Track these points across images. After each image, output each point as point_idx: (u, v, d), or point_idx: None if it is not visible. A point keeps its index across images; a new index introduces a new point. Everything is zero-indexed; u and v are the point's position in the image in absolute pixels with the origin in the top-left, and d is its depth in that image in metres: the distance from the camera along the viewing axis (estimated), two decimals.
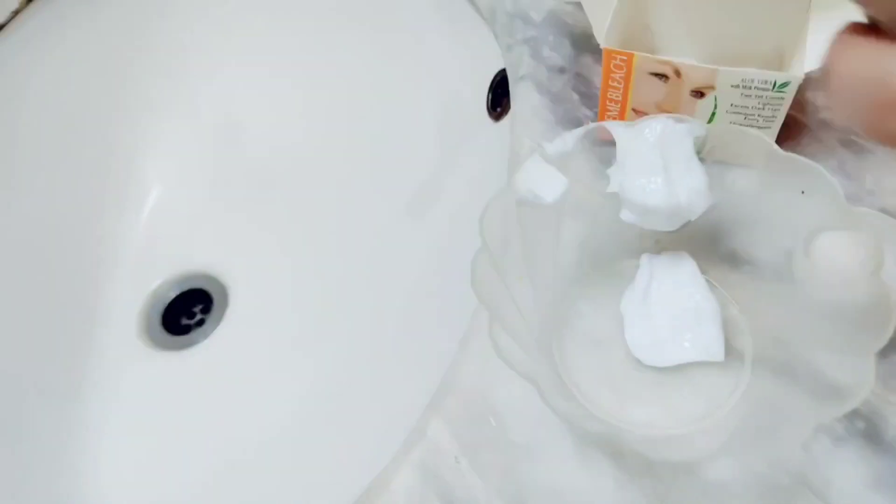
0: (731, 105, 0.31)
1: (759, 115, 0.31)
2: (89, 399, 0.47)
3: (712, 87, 0.30)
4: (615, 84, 0.32)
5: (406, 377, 0.39)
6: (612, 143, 0.28)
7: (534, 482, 0.27)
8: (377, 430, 0.36)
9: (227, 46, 0.57)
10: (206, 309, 0.52)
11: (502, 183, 0.28)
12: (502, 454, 0.28)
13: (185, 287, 0.53)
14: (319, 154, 0.54)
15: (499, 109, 0.45)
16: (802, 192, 0.26)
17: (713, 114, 0.32)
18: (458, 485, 0.27)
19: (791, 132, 0.34)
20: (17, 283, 0.49)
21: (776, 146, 0.26)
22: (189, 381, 0.49)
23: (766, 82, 0.29)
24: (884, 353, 0.22)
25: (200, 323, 0.51)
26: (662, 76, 0.31)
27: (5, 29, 0.51)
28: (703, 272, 0.29)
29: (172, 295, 0.53)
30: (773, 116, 0.31)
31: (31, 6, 0.52)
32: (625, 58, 0.31)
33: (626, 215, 0.28)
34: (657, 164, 0.27)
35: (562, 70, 0.40)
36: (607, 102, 0.33)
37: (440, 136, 0.49)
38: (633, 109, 0.33)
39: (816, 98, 0.35)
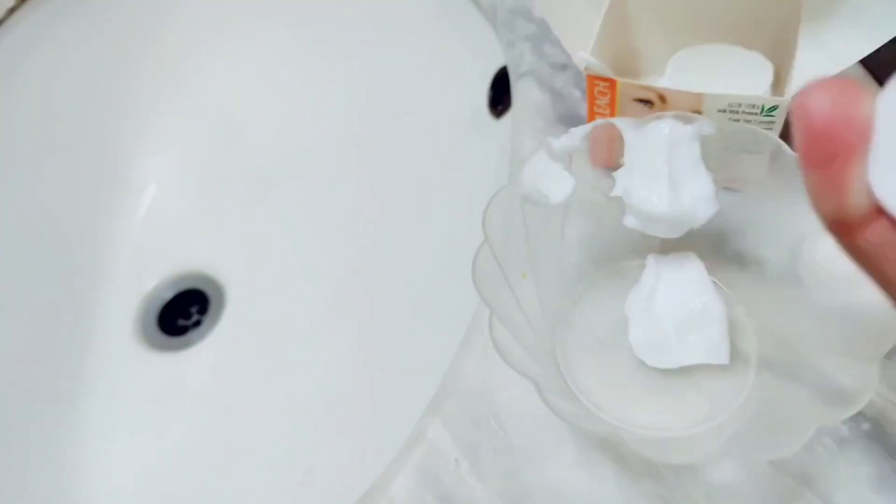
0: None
1: None
2: (85, 400, 0.47)
3: (699, 112, 0.29)
4: (601, 111, 0.31)
5: (406, 378, 0.39)
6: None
7: (535, 485, 0.27)
8: (376, 433, 0.36)
9: (225, 45, 0.57)
10: (203, 310, 0.51)
11: (503, 180, 0.28)
12: (503, 457, 0.27)
13: (182, 287, 0.53)
14: (318, 153, 0.54)
15: (499, 107, 0.45)
16: None
17: None
18: (458, 488, 0.27)
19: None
20: (12, 284, 0.48)
21: (784, 144, 0.26)
22: (186, 382, 0.48)
23: (753, 106, 0.28)
24: (889, 356, 0.22)
25: (197, 324, 0.51)
26: (647, 102, 0.30)
27: (0, 27, 0.51)
28: (709, 273, 0.29)
29: (169, 295, 0.52)
30: None
31: (27, 4, 0.52)
32: (608, 83, 0.30)
33: (629, 221, 0.27)
34: (663, 170, 0.26)
35: (563, 67, 0.39)
36: None
37: (441, 134, 0.49)
38: None
39: None
